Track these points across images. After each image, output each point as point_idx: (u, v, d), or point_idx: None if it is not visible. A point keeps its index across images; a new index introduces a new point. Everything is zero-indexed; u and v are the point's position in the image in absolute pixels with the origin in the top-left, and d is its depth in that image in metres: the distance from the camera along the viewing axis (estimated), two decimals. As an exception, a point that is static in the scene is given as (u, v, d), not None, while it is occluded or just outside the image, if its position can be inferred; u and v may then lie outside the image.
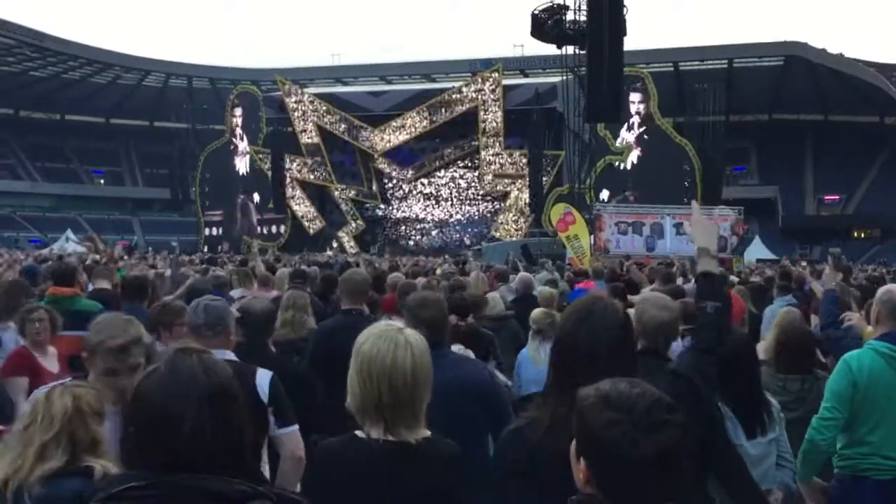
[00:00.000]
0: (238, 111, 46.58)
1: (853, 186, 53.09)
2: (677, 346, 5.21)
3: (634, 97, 36.69)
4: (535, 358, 5.38)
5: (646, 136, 36.86)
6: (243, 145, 46.24)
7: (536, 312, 5.74)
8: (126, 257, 17.78)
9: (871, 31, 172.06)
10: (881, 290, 3.74)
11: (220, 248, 40.25)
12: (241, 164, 46.45)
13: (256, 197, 45.78)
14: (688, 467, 1.52)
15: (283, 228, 44.55)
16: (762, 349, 4.95)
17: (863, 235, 51.05)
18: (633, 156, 36.91)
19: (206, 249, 36.98)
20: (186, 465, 1.51)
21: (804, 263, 23.22)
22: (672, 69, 50.92)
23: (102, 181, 66.88)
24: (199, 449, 1.51)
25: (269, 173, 42.81)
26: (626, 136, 36.91)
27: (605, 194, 36.16)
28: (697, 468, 2.15)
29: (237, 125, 46.57)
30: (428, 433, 2.18)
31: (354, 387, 2.15)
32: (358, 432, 2.16)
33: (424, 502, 2.13)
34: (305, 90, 45.81)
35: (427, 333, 3.17)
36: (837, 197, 53.50)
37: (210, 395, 1.55)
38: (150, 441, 1.54)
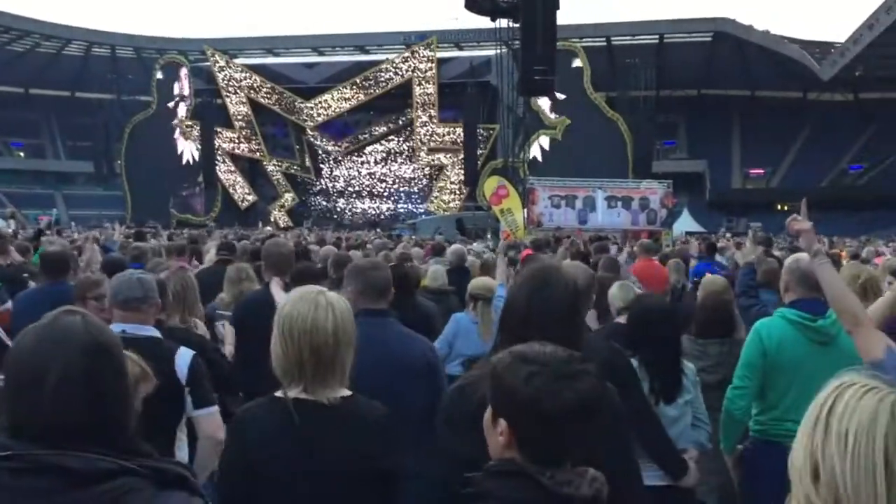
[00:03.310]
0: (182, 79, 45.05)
1: (777, 161, 54.71)
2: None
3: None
4: (483, 331, 5.21)
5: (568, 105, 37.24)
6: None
7: (482, 280, 5.66)
8: (48, 233, 17.09)
9: (796, 7, 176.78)
10: (789, 259, 3.81)
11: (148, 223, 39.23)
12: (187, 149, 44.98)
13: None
14: (608, 421, 1.59)
15: (215, 204, 43.68)
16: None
17: (786, 208, 52.56)
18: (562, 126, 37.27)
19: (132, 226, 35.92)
20: (51, 434, 1.36)
21: (728, 235, 23.86)
22: (604, 44, 51.39)
23: (22, 154, 64.43)
24: (64, 411, 1.36)
25: (198, 146, 41.83)
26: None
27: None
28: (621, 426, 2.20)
29: (182, 94, 45.02)
30: (347, 393, 2.19)
31: (277, 349, 2.18)
32: (278, 392, 2.18)
33: (335, 462, 2.13)
34: (235, 61, 44.74)
35: (374, 299, 3.18)
36: (762, 171, 55.07)
37: (84, 350, 1.41)
38: (13, 399, 1.39)
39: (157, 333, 3.25)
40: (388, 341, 3.08)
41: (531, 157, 36.20)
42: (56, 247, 6.91)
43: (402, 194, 44.56)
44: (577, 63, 37.47)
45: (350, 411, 2.16)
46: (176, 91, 44.74)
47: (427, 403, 3.04)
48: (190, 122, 43.43)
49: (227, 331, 4.84)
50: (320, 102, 42.22)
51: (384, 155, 44.46)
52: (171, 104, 44.79)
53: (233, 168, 43.73)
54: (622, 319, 4.33)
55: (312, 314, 2.16)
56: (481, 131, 38.56)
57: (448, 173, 40.99)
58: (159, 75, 45.33)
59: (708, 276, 5.53)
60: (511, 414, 1.53)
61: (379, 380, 2.37)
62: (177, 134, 44.95)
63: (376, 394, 2.29)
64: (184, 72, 44.96)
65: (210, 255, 8.50)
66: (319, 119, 42.76)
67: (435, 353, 3.33)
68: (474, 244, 11.59)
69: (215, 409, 3.20)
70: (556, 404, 1.46)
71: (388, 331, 3.14)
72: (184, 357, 3.15)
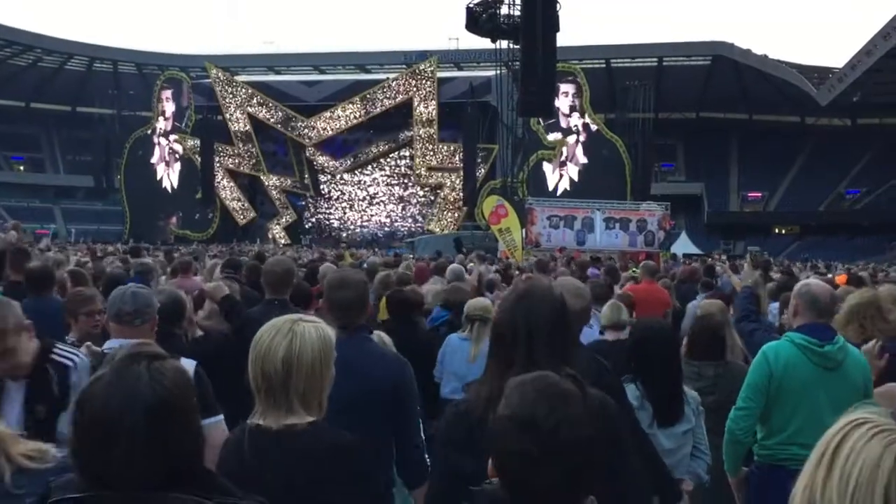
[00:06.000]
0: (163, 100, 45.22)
1: (775, 184, 54.85)
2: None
3: (568, 88, 37.06)
4: (473, 352, 5.22)
5: (583, 131, 37.39)
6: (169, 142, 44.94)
7: (477, 300, 5.62)
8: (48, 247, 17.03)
9: (794, 33, 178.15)
10: (799, 284, 3.84)
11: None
12: (168, 176, 45.02)
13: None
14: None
15: (212, 219, 43.71)
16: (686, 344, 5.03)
17: (783, 231, 52.79)
18: (578, 152, 37.36)
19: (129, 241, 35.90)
20: (124, 481, 1.42)
21: (724, 258, 23.90)
22: (604, 66, 51.67)
23: (22, 167, 64.45)
24: (133, 466, 1.42)
25: (199, 161, 41.92)
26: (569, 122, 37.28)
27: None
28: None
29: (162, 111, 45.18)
30: (305, 420, 2.12)
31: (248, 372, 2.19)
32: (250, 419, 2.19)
33: (277, 490, 2.06)
34: (236, 78, 44.94)
35: (341, 316, 3.09)
36: (760, 194, 55.19)
37: (149, 409, 1.44)
38: (85, 452, 1.46)
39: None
40: (348, 358, 2.85)
41: (563, 189, 36.35)
42: (38, 262, 6.84)
43: (400, 213, 44.62)
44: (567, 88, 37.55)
45: (299, 440, 2.10)
46: (167, 111, 44.93)
47: (387, 426, 2.93)
48: (178, 138, 43.59)
49: None
50: (320, 120, 42.37)
51: (383, 173, 44.57)
52: (161, 125, 44.97)
53: (232, 184, 43.81)
54: (608, 336, 4.65)
55: (269, 341, 2.13)
56: (480, 151, 38.69)
57: (446, 192, 41.07)
58: (165, 94, 45.39)
59: (709, 300, 5.58)
60: (489, 447, 1.56)
61: (343, 401, 2.30)
62: (155, 158, 44.97)
63: (332, 412, 2.24)
64: (166, 93, 45.13)
65: (216, 272, 8.49)
66: (319, 137, 42.90)
67: (405, 374, 3.08)
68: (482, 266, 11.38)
69: (222, 417, 3.15)
70: (512, 449, 1.46)
71: (355, 347, 2.98)
72: (186, 368, 3.13)
